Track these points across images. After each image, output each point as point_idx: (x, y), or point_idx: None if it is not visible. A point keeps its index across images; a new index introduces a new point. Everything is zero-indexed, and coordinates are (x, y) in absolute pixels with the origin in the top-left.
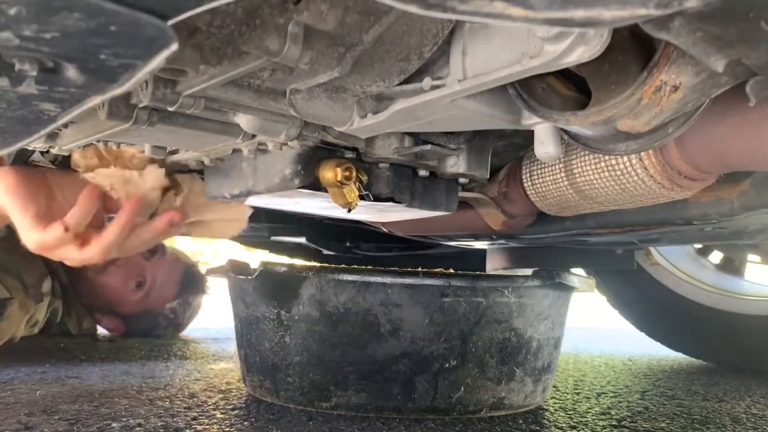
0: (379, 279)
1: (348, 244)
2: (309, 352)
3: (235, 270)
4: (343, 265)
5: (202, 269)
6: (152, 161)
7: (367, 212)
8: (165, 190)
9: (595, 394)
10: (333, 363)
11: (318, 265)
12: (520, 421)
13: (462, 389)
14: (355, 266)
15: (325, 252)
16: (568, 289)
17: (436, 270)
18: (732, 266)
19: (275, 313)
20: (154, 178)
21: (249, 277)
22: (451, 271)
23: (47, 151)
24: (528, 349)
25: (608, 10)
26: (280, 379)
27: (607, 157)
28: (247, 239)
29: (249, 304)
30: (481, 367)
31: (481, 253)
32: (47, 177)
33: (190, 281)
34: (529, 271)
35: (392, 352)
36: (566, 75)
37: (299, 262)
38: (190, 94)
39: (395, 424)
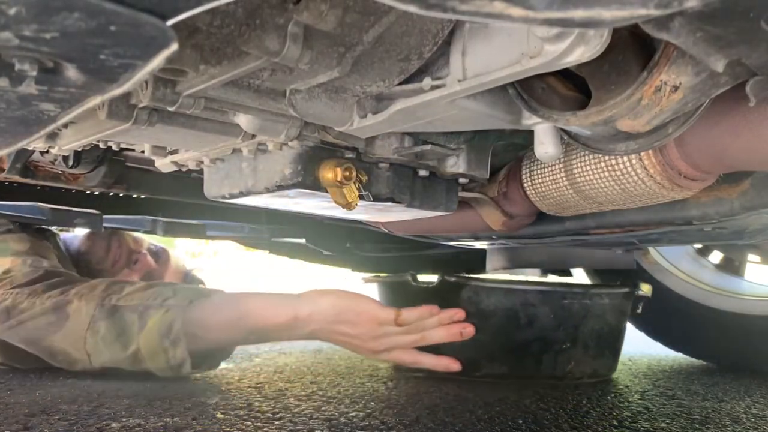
0: (520, 286)
1: (348, 245)
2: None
3: (403, 279)
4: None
5: (198, 275)
6: None
7: (367, 212)
8: None
9: (596, 394)
10: (484, 344)
11: (473, 276)
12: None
13: (572, 363)
14: (500, 277)
15: (326, 252)
16: (637, 294)
17: (556, 281)
18: (732, 266)
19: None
20: None
21: (429, 285)
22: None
23: (47, 151)
24: (613, 335)
25: (608, 10)
26: (439, 355)
27: (607, 157)
28: (247, 240)
29: (414, 304)
30: (585, 347)
31: (481, 253)
32: None
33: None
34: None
35: (527, 337)
36: (566, 75)
37: (456, 274)
38: (190, 94)
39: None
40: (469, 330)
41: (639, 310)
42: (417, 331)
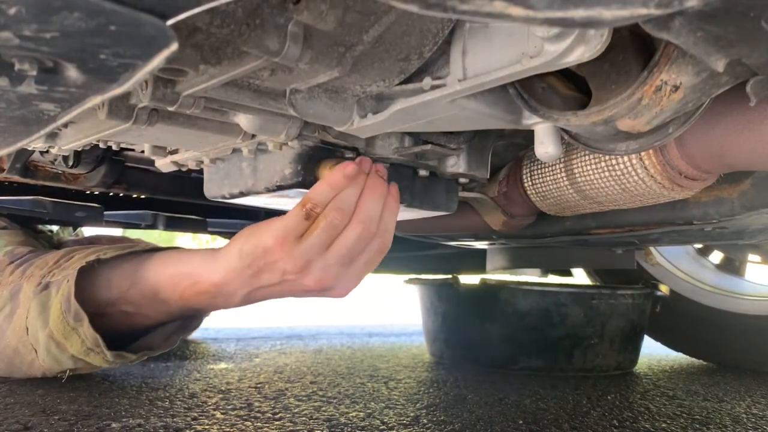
0: (554, 289)
1: None
2: (505, 333)
3: (445, 282)
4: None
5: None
6: None
7: None
8: None
9: (596, 394)
10: (521, 341)
11: (511, 280)
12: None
13: (600, 357)
14: (535, 280)
15: None
16: (656, 294)
17: (586, 284)
18: (732, 266)
19: (479, 309)
20: None
21: (470, 287)
22: (595, 283)
23: (47, 151)
24: (635, 332)
25: (608, 9)
26: (480, 351)
27: (607, 157)
28: None
29: (455, 304)
30: (611, 343)
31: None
32: None
33: None
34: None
35: (560, 334)
36: (566, 75)
37: (495, 276)
38: (190, 94)
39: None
40: (394, 192)
41: (657, 309)
42: (345, 216)
